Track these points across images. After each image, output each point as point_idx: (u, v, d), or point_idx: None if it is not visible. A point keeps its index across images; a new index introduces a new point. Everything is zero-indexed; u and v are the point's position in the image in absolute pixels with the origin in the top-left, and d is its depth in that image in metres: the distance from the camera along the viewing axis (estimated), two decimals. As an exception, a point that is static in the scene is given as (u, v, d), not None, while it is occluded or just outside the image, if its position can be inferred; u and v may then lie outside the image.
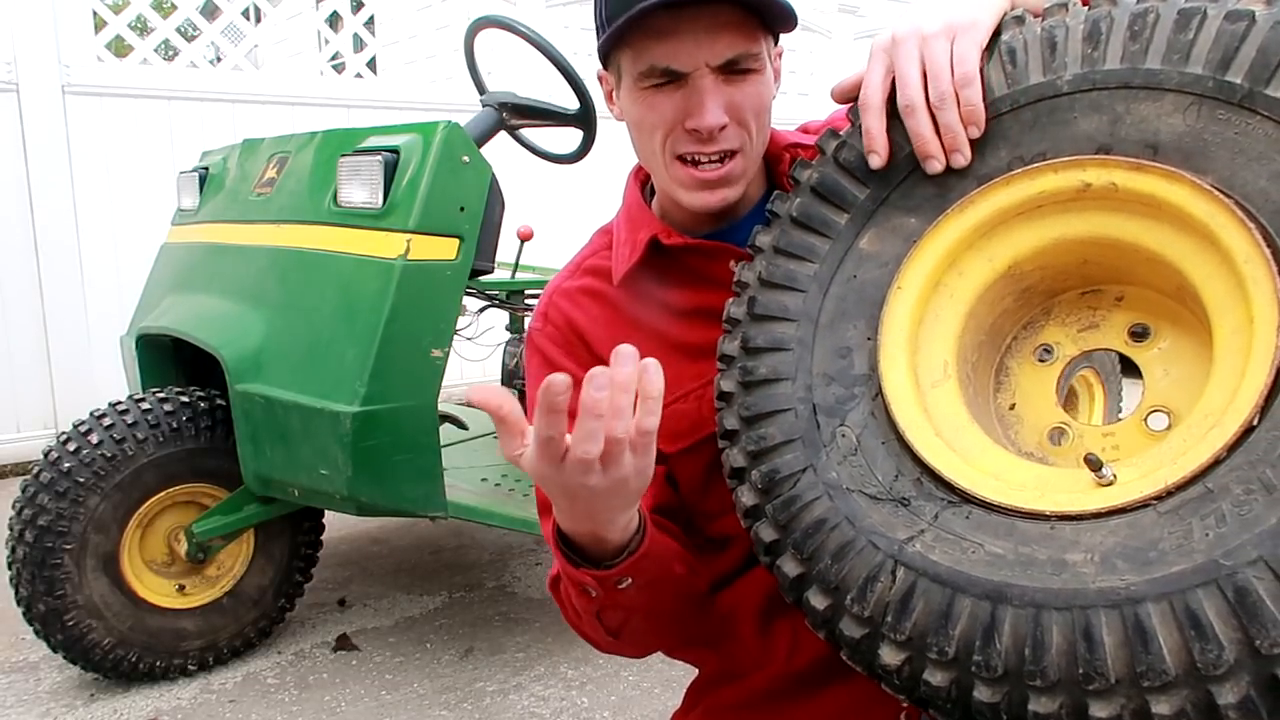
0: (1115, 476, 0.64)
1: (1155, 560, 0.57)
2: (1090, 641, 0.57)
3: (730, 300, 0.83)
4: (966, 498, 0.67)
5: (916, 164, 0.76)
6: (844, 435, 0.73)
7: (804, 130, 1.02)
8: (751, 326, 0.80)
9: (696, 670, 1.05)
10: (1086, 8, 0.73)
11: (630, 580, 0.79)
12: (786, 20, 0.84)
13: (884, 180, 0.77)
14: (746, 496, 0.76)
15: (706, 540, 0.97)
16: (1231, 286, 0.64)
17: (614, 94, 0.91)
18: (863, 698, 0.89)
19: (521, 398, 2.96)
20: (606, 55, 0.88)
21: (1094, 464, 0.64)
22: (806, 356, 0.77)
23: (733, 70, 0.83)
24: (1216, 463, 0.59)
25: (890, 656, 0.65)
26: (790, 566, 0.72)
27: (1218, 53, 0.65)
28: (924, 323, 0.75)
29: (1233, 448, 0.59)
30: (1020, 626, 0.60)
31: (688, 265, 0.93)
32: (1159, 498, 0.60)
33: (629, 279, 0.94)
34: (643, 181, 1.00)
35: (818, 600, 0.70)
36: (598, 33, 0.86)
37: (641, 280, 0.94)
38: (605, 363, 0.92)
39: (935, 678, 0.63)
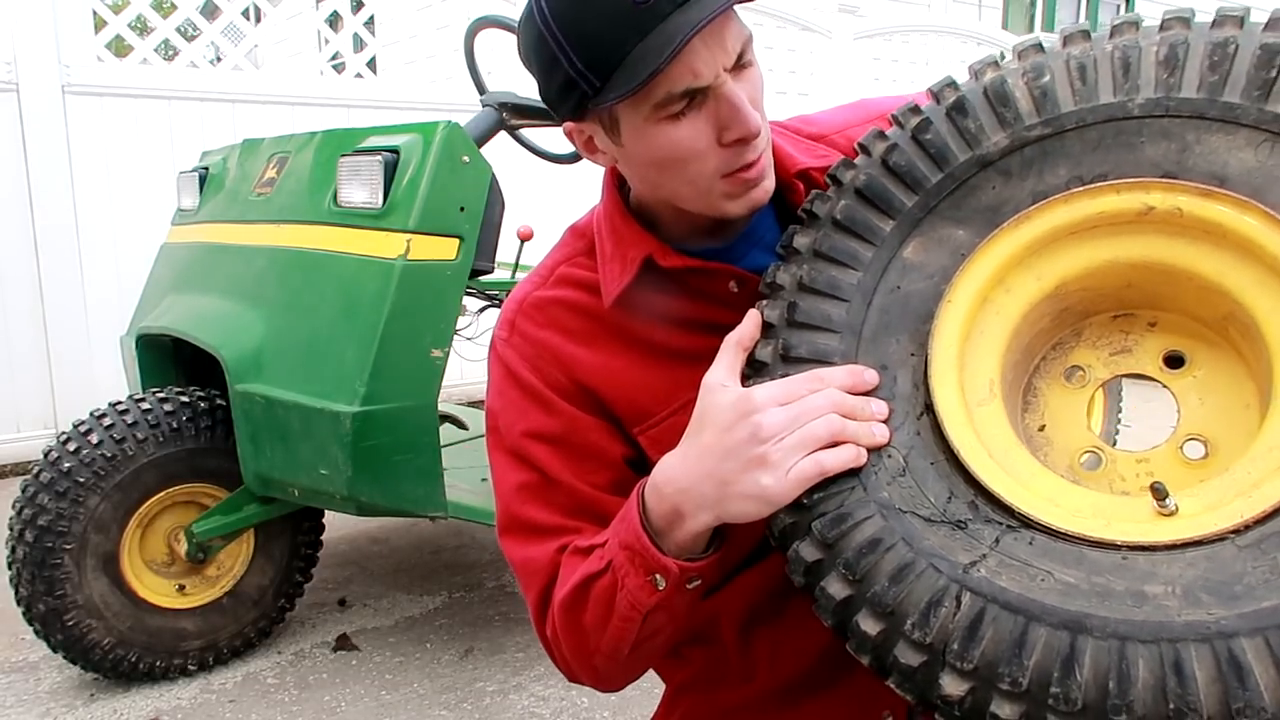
0: (1177, 507, 0.63)
1: (1243, 595, 0.56)
2: (1181, 676, 0.55)
3: (764, 303, 0.79)
4: (1027, 522, 0.65)
5: (969, 174, 0.74)
6: (890, 456, 0.70)
7: (805, 121, 0.98)
8: (791, 334, 0.76)
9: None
10: (1159, 30, 0.71)
11: (699, 583, 0.77)
12: None
13: (934, 188, 0.75)
14: (784, 514, 0.72)
15: None
16: None
17: (598, 140, 0.82)
18: (844, 710, 0.89)
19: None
20: (586, 105, 0.76)
21: (1160, 493, 0.63)
22: None
23: (741, 63, 0.77)
24: None
25: (952, 686, 0.62)
26: (837, 588, 0.68)
27: None
28: (970, 340, 0.73)
29: None
30: (1102, 659, 0.58)
31: (684, 282, 0.88)
32: (1236, 531, 0.59)
33: (620, 297, 0.88)
34: (619, 184, 0.92)
35: (869, 625, 0.66)
36: (570, 89, 0.75)
37: (633, 295, 0.88)
38: (575, 381, 0.90)
39: (1004, 710, 0.60)
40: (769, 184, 0.82)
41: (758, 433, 0.69)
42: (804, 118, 0.99)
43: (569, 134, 0.84)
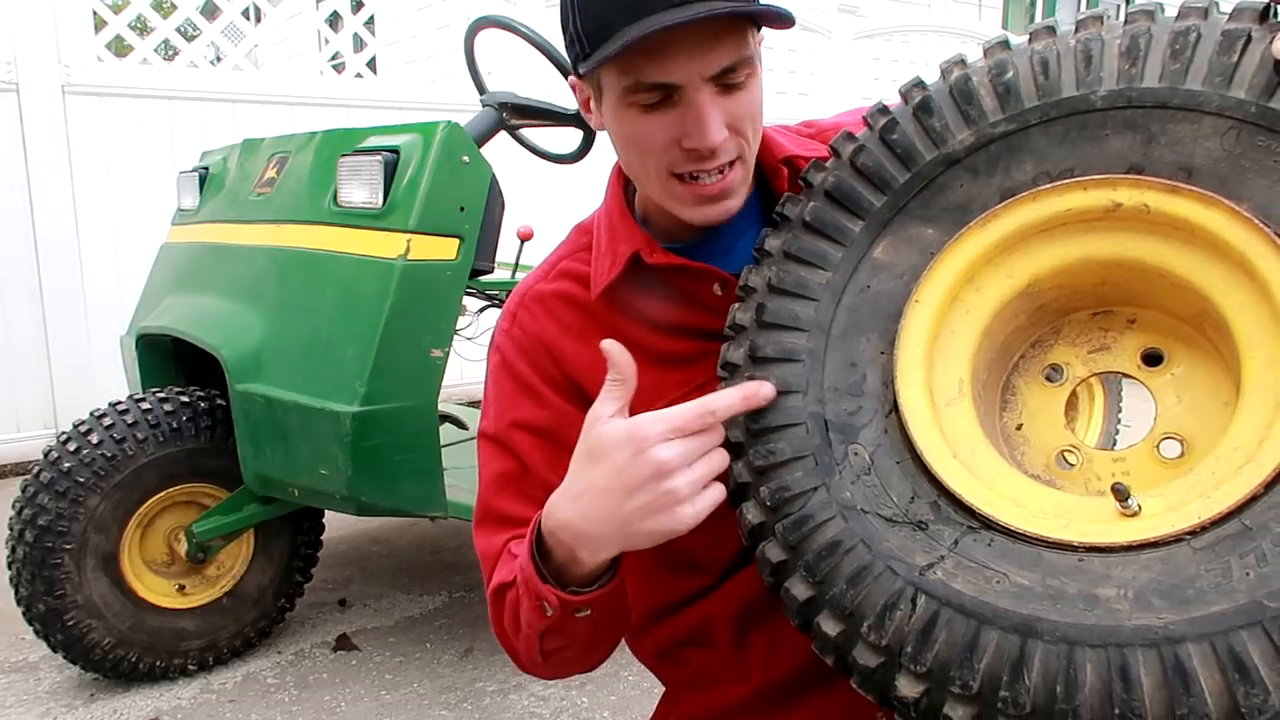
0: (1140, 507, 0.63)
1: (1193, 599, 0.56)
2: (1127, 681, 0.56)
3: (735, 305, 0.80)
4: (988, 523, 0.65)
5: (936, 173, 0.74)
6: (856, 454, 0.70)
7: (807, 125, 0.99)
8: (759, 334, 0.76)
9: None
10: (1124, 24, 0.70)
11: (589, 612, 0.78)
12: (783, 22, 0.79)
13: (902, 188, 0.75)
14: (752, 514, 0.73)
15: (678, 559, 0.95)
16: (1265, 318, 0.63)
17: (591, 103, 0.85)
18: (839, 708, 0.88)
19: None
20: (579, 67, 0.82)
21: (1121, 493, 0.63)
22: (818, 369, 0.74)
23: (728, 79, 0.78)
24: (1253, 499, 0.58)
25: (908, 688, 0.63)
26: (800, 589, 0.69)
27: (1262, 78, 0.63)
28: (940, 338, 0.73)
29: (1271, 484, 0.58)
30: (1051, 663, 0.58)
31: (669, 281, 0.89)
32: (1193, 533, 0.59)
33: (608, 291, 0.90)
34: (625, 182, 0.95)
35: (829, 626, 0.67)
36: (571, 45, 0.80)
37: (621, 291, 0.90)
38: (568, 376, 0.92)
39: (956, 712, 0.61)
40: (730, 204, 0.83)
41: (661, 468, 0.69)
42: (808, 122, 1.00)
43: (573, 88, 0.88)
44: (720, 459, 0.71)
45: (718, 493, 0.71)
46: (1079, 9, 9.77)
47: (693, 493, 0.69)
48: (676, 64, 0.75)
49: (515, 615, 0.83)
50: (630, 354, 0.89)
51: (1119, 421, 3.28)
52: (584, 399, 0.91)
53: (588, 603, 0.77)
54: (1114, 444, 3.19)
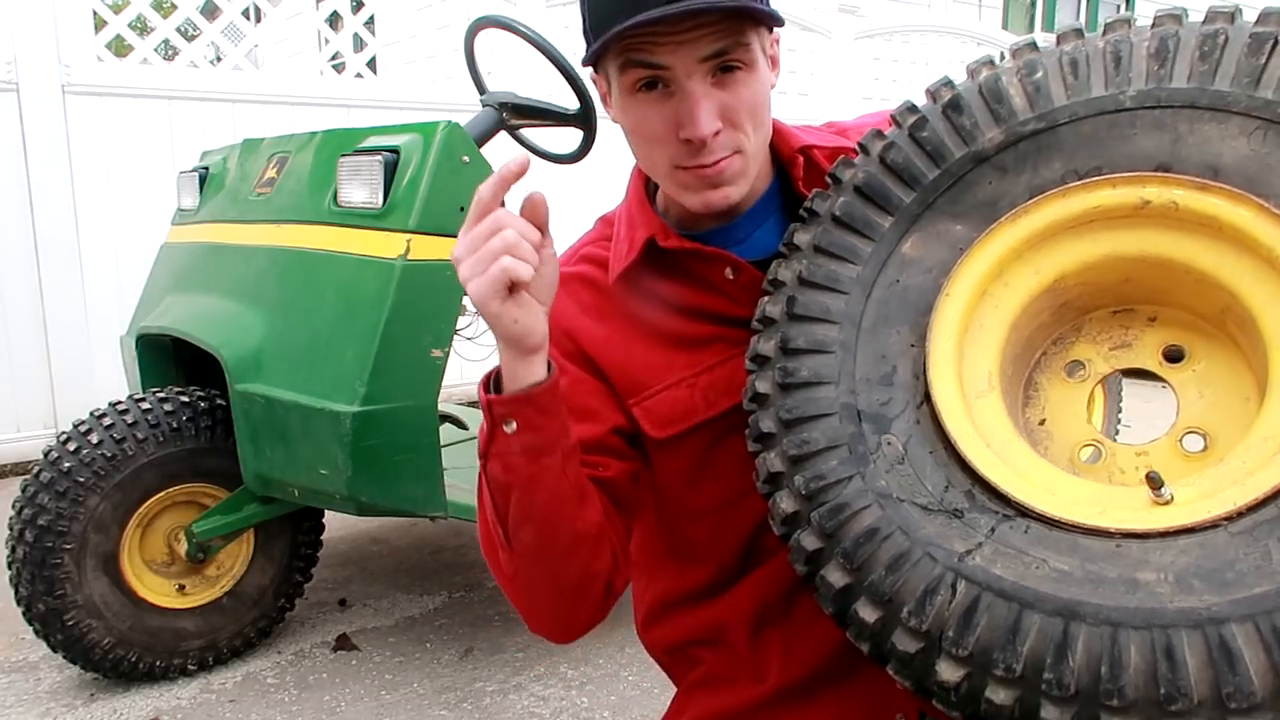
0: (1173, 496, 0.64)
1: (1234, 581, 0.57)
2: (1172, 661, 0.56)
3: (764, 299, 0.82)
4: (1023, 511, 0.66)
5: (965, 170, 0.75)
6: (889, 443, 0.72)
7: (830, 125, 1.02)
8: (790, 327, 0.78)
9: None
10: (1152, 26, 0.72)
11: (515, 425, 0.78)
12: (770, 20, 0.81)
13: (931, 184, 0.77)
14: (786, 503, 0.73)
15: (683, 548, 0.96)
16: None
17: (608, 98, 0.90)
18: (855, 707, 0.89)
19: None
20: (595, 62, 0.87)
21: (1155, 482, 0.64)
22: (849, 361, 0.75)
23: (721, 69, 0.80)
24: None
25: (948, 672, 0.63)
26: (836, 576, 0.69)
27: None
28: (969, 332, 0.74)
29: None
30: (1095, 644, 0.59)
31: (684, 266, 0.93)
32: (1229, 518, 0.60)
33: (625, 276, 0.94)
34: (647, 176, 0.99)
35: (867, 613, 0.68)
36: (586, 42, 0.85)
37: (637, 275, 0.94)
38: (581, 350, 0.95)
39: (998, 695, 0.61)
40: (732, 191, 0.85)
41: (454, 261, 0.77)
42: (831, 123, 1.03)
43: (594, 82, 0.92)
44: (501, 242, 0.73)
45: (503, 265, 0.73)
46: (1079, 10, 9.77)
47: (474, 273, 0.74)
48: (663, 49, 0.79)
49: (482, 505, 0.84)
50: (645, 334, 0.93)
51: (1119, 421, 3.28)
52: (598, 372, 0.94)
53: (507, 407, 0.78)
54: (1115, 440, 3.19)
